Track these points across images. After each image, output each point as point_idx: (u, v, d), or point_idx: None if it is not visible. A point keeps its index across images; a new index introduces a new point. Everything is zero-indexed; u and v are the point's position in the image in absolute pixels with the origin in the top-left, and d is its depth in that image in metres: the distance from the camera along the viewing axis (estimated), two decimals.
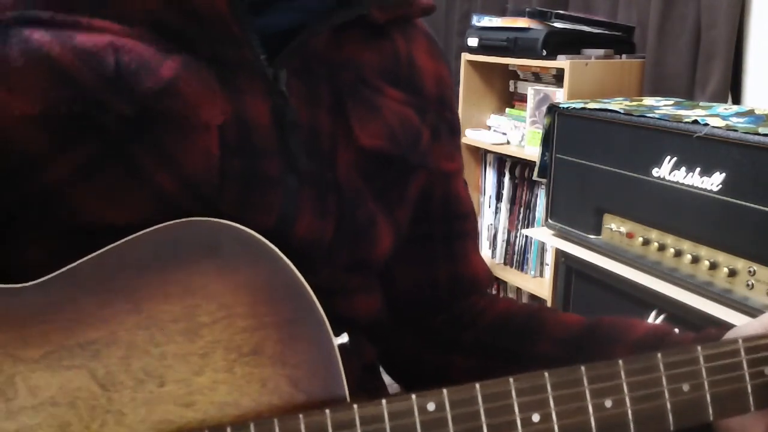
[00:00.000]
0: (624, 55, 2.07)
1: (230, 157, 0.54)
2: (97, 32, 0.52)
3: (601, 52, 2.02)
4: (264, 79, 0.57)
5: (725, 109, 1.53)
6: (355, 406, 0.45)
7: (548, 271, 2.19)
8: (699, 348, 0.51)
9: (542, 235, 1.74)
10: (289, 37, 0.58)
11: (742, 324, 0.58)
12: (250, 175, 0.55)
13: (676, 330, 0.66)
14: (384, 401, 0.45)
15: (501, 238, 2.42)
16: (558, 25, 2.04)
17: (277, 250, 0.50)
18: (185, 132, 0.53)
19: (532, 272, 2.32)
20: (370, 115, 0.63)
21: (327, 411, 0.45)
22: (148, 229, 0.49)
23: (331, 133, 0.60)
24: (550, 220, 1.70)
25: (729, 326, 0.59)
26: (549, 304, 2.03)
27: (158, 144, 0.52)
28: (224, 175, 0.54)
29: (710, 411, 0.51)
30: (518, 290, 2.40)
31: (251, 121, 0.56)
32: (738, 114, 1.43)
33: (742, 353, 0.52)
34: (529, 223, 2.31)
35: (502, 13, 2.48)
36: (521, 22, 2.11)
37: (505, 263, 2.42)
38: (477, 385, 0.47)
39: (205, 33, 0.55)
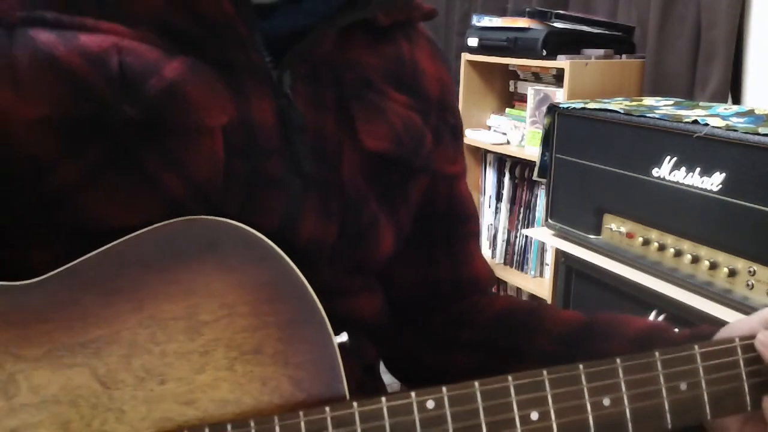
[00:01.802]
0: (624, 55, 2.07)
1: (235, 159, 0.54)
2: (101, 33, 0.52)
3: (601, 52, 2.02)
4: (269, 81, 0.57)
5: (725, 109, 1.53)
6: (355, 404, 0.45)
7: (548, 271, 2.19)
8: (696, 347, 0.51)
9: (542, 235, 1.74)
10: (294, 39, 0.58)
11: (735, 320, 0.58)
12: (254, 176, 0.55)
13: (676, 329, 0.66)
14: (384, 399, 0.46)
15: (501, 238, 2.43)
16: (558, 25, 2.04)
17: (278, 249, 0.50)
18: (191, 135, 0.53)
19: (532, 272, 2.32)
20: (375, 118, 0.62)
21: (327, 409, 0.46)
22: (149, 227, 0.49)
23: (336, 136, 0.60)
24: (550, 220, 1.70)
25: (723, 323, 0.59)
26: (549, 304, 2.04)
27: (165, 147, 0.52)
28: (229, 177, 0.54)
29: (707, 410, 0.51)
30: (518, 290, 2.40)
31: (256, 123, 0.56)
32: (738, 114, 1.43)
33: (739, 352, 0.52)
34: (529, 223, 2.31)
35: (502, 13, 2.48)
36: (521, 22, 2.11)
37: (505, 263, 2.42)
38: (476, 383, 0.47)
39: (212, 35, 0.55)
